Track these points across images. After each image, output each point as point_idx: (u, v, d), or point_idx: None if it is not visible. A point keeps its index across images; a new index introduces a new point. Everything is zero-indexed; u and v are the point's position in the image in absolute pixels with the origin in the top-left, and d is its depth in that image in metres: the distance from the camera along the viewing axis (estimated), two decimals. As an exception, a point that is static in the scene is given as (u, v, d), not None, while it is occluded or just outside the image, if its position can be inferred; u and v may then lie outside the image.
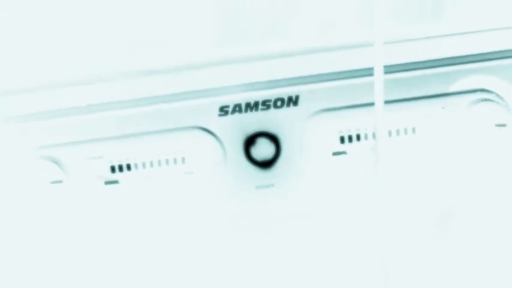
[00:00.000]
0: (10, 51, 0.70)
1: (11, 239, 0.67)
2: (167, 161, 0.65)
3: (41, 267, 0.69)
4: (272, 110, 0.64)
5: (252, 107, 0.64)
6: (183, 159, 0.65)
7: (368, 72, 0.59)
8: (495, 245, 0.82)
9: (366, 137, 0.64)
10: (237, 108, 0.64)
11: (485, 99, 0.64)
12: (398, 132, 0.65)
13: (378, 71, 0.53)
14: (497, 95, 0.65)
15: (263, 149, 0.64)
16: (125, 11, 0.71)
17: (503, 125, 0.65)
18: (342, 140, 0.65)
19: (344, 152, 0.65)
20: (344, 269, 0.84)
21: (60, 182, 0.65)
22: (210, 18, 0.73)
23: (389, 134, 0.65)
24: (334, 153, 0.64)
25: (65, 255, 0.69)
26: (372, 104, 0.57)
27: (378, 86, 0.53)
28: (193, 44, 0.70)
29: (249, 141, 0.64)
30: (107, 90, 0.65)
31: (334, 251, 0.81)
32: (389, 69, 0.62)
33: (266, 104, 0.64)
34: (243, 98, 0.63)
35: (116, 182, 0.65)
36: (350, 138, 0.65)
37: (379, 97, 0.54)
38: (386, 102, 0.59)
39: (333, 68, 0.63)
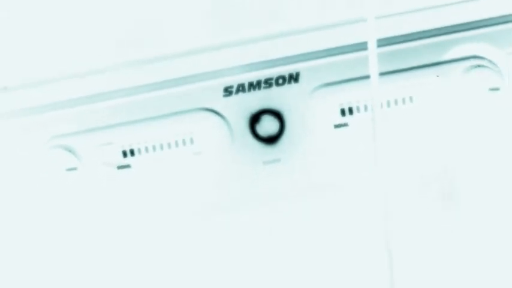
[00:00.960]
0: (15, 46, 0.74)
1: (31, 226, 0.71)
2: (176, 143, 0.69)
3: (63, 251, 0.74)
4: (274, 88, 0.68)
5: (254, 86, 0.68)
6: (191, 140, 0.69)
7: (363, 46, 0.63)
8: (494, 207, 0.86)
9: (365, 108, 0.68)
10: (241, 88, 0.68)
11: (478, 66, 0.68)
12: (396, 102, 0.69)
13: (372, 45, 0.57)
14: (490, 60, 0.69)
15: (268, 126, 0.69)
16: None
17: (497, 89, 0.69)
18: (343, 112, 0.69)
19: (345, 124, 0.69)
20: (350, 239, 0.88)
21: (75, 169, 0.69)
22: (208, 4, 0.78)
23: (388, 104, 0.69)
24: (336, 126, 0.69)
25: (84, 239, 0.74)
26: (369, 77, 0.61)
27: (373, 59, 0.57)
28: (196, 29, 0.74)
29: (254, 119, 0.68)
30: (113, 78, 0.69)
31: (341, 222, 0.85)
32: (383, 42, 0.66)
33: (268, 83, 0.68)
34: (245, 78, 0.67)
35: (128, 166, 0.69)
36: (350, 111, 0.69)
37: (374, 70, 0.59)
38: (383, 74, 0.63)
39: (330, 44, 0.67)
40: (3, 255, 0.73)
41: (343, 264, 0.92)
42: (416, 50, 0.68)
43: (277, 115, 0.68)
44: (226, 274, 0.81)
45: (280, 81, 0.68)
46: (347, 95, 0.68)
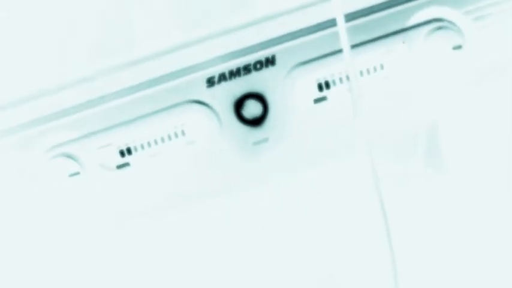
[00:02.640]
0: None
1: (41, 232, 0.78)
2: (169, 136, 0.76)
3: (74, 253, 0.80)
4: (253, 73, 0.75)
5: (235, 73, 0.75)
6: (183, 132, 0.76)
7: (332, 23, 0.70)
8: (475, 161, 0.94)
9: (340, 80, 0.76)
10: (222, 77, 0.75)
11: (440, 27, 0.76)
12: (368, 71, 0.76)
13: (340, 21, 0.64)
14: (450, 21, 0.76)
15: (252, 109, 0.76)
16: (103, 9, 0.81)
17: (459, 47, 0.77)
18: (320, 87, 0.76)
19: (324, 98, 0.76)
20: (342, 208, 0.95)
21: (77, 173, 0.76)
22: (178, 4, 0.85)
23: (361, 73, 0.76)
24: (316, 100, 0.76)
25: (92, 238, 0.81)
26: (341, 51, 0.68)
27: (343, 34, 0.64)
28: (171, 27, 0.81)
29: (238, 104, 0.75)
30: (103, 84, 0.75)
31: (333, 192, 0.92)
32: (350, 16, 0.73)
33: (247, 69, 0.75)
34: (225, 67, 0.74)
35: (127, 164, 0.76)
36: (327, 85, 0.76)
37: (345, 43, 0.66)
38: (353, 46, 0.70)
39: (301, 25, 0.74)
40: (15, 260, 0.79)
41: (337, 235, 0.99)
42: (381, 20, 0.75)
43: (260, 98, 0.75)
44: (227, 255, 0.88)
45: (258, 66, 0.75)
46: (322, 71, 0.75)
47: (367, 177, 0.73)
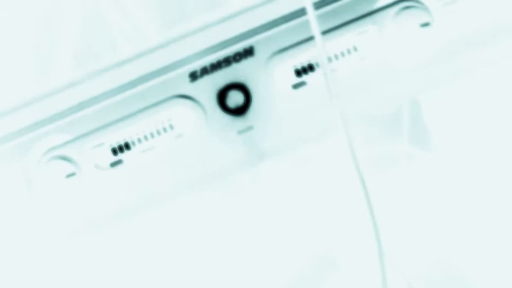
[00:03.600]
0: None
1: (45, 231, 0.83)
2: (158, 131, 0.81)
3: (76, 252, 0.86)
4: (234, 64, 0.80)
5: (216, 66, 0.80)
6: (171, 126, 0.81)
7: (303, 11, 0.76)
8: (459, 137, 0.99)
9: (317, 65, 0.81)
10: (204, 71, 0.80)
11: (407, 7, 0.82)
12: (343, 54, 0.82)
13: (310, 9, 0.70)
14: (416, 0, 0.82)
15: (235, 98, 0.81)
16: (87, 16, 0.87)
17: (427, 24, 0.82)
18: (298, 73, 0.81)
19: (303, 83, 0.82)
20: (328, 192, 1.01)
21: (73, 174, 0.81)
22: (154, 5, 0.90)
23: (336, 57, 0.81)
24: (294, 86, 0.81)
25: (92, 237, 0.86)
26: (314, 37, 0.74)
27: (313, 21, 0.70)
28: (151, 28, 0.87)
29: (221, 95, 0.81)
30: (91, 86, 0.80)
31: (320, 173, 0.98)
32: (319, 4, 0.79)
33: (227, 61, 0.80)
34: (206, 61, 0.80)
35: (120, 161, 0.81)
36: (305, 70, 0.81)
37: (316, 31, 0.71)
38: (325, 32, 0.76)
39: (275, 16, 0.79)
40: (18, 263, 0.84)
41: (324, 217, 1.05)
42: (350, 5, 0.81)
43: (242, 87, 0.81)
44: (225, 242, 0.93)
45: (238, 57, 0.80)
46: (298, 57, 0.81)
47: (349, 158, 0.78)
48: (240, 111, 0.81)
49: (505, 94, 1.09)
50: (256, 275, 1.04)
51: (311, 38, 0.77)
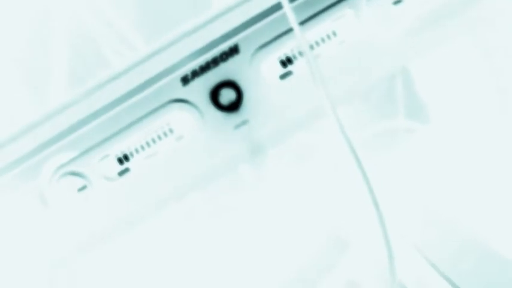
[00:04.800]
0: None
1: (64, 245, 0.90)
2: (159, 137, 0.88)
3: (95, 257, 0.93)
4: (221, 63, 0.87)
5: (205, 67, 0.87)
6: (171, 130, 0.88)
7: (279, 5, 0.82)
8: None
9: (300, 54, 0.88)
10: (195, 74, 0.87)
11: (379, -13, 0.88)
12: (323, 40, 0.88)
13: (286, 3, 0.77)
14: (386, -20, 0.89)
15: (227, 96, 0.88)
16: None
17: (399, 1, 0.89)
18: (283, 63, 0.88)
19: (290, 73, 0.88)
20: (327, 175, 1.07)
21: (84, 187, 0.88)
22: (138, 17, 0.97)
23: (317, 43, 0.88)
24: (281, 77, 0.88)
25: (108, 244, 0.93)
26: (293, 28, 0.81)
27: (290, 14, 0.77)
28: (139, 40, 0.93)
29: (214, 94, 0.87)
30: (89, 103, 0.87)
31: (316, 157, 1.04)
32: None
33: (215, 61, 0.87)
34: (195, 64, 0.86)
35: (127, 170, 0.88)
36: (289, 60, 0.88)
37: (294, 22, 0.78)
38: (302, 22, 0.83)
39: (254, 13, 0.86)
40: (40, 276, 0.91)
41: (330, 199, 1.11)
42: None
43: (232, 84, 0.88)
44: (236, 232, 1.00)
45: (224, 56, 0.87)
46: (282, 49, 0.87)
47: (344, 139, 0.85)
48: (233, 107, 0.87)
49: (488, 57, 1.15)
50: (269, 261, 1.10)
51: (291, 29, 0.84)
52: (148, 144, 0.87)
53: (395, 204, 1.15)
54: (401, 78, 1.25)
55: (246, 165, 1.01)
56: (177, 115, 0.86)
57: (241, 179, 1.04)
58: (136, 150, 0.87)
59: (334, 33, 0.87)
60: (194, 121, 0.86)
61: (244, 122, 0.87)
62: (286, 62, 0.87)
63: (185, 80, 0.86)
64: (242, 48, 0.86)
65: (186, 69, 0.85)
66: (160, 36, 0.86)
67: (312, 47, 0.86)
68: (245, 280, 1.09)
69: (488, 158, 1.16)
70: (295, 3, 0.83)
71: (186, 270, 1.07)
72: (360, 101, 1.24)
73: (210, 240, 1.05)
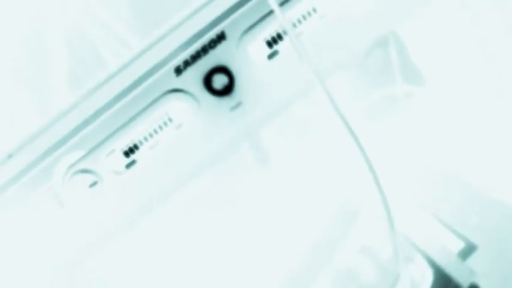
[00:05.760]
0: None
1: (81, 238, 0.97)
2: (160, 127, 0.95)
3: (113, 249, 1.00)
4: (211, 51, 0.93)
5: (195, 56, 0.93)
6: (170, 119, 0.94)
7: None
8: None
9: (284, 32, 0.94)
10: (187, 63, 0.93)
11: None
12: (304, 17, 0.95)
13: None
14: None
15: (220, 81, 0.94)
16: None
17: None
18: (269, 44, 0.95)
19: (276, 52, 0.95)
20: (324, 145, 1.13)
21: (96, 183, 0.95)
22: (129, 16, 1.04)
23: (299, 20, 0.95)
24: (269, 56, 0.95)
25: (124, 234, 1.00)
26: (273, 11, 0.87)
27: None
28: (131, 37, 1.00)
29: (207, 81, 0.94)
30: (92, 102, 0.94)
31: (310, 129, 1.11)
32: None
33: (204, 49, 0.93)
34: (186, 54, 0.93)
35: (134, 162, 0.95)
36: (274, 40, 0.95)
37: (274, 4, 0.85)
38: (282, 3, 0.89)
39: (235, 0, 0.93)
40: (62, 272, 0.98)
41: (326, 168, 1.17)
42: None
43: (223, 69, 0.94)
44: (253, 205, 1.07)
45: (213, 43, 0.93)
46: (266, 30, 0.94)
47: (334, 110, 0.91)
48: (227, 91, 0.94)
49: (476, 19, 1.20)
50: (286, 236, 1.17)
51: (273, 11, 0.90)
52: (150, 135, 0.94)
53: (400, 166, 1.22)
54: (395, 46, 1.31)
55: (249, 147, 1.08)
56: (175, 104, 0.93)
57: (246, 160, 1.11)
58: (140, 142, 0.94)
59: (314, 10, 0.93)
60: (191, 108, 0.93)
61: (238, 104, 0.94)
62: (272, 42, 0.93)
63: (178, 71, 0.93)
64: (228, 34, 0.92)
65: (178, 60, 0.92)
66: (152, 32, 0.93)
67: (294, 25, 0.92)
68: (265, 251, 1.16)
69: (484, 112, 1.22)
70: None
71: (203, 251, 1.14)
72: (357, 72, 1.29)
73: (228, 217, 1.12)
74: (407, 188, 1.18)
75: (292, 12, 0.92)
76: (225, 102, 0.94)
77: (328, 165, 1.22)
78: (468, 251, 1.09)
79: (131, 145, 0.93)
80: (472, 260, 1.07)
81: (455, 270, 1.06)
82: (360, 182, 1.18)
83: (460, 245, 1.10)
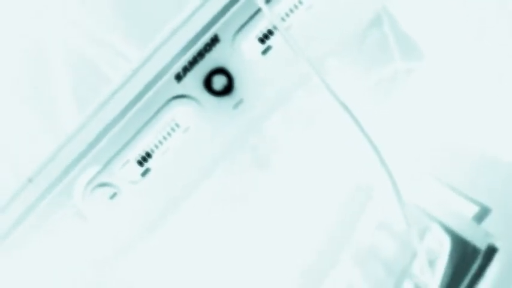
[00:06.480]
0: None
1: (108, 249, 1.03)
2: (168, 133, 1.01)
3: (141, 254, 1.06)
4: (207, 54, 1.00)
5: (193, 61, 0.99)
6: (177, 125, 1.01)
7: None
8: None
9: (274, 27, 1.00)
10: (186, 69, 1.00)
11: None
12: (292, 10, 1.00)
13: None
14: None
15: (220, 81, 1.00)
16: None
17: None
18: (262, 40, 1.01)
19: (269, 47, 1.01)
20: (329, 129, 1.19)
21: (115, 195, 1.01)
22: (127, 31, 1.10)
23: (287, 14, 1.00)
24: (263, 52, 1.01)
25: (150, 239, 1.06)
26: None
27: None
28: (131, 50, 1.07)
29: (207, 83, 1.00)
30: (101, 118, 1.01)
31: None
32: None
33: (201, 54, 0.99)
34: (184, 60, 0.99)
35: (148, 170, 1.02)
36: (266, 36, 1.01)
37: (261, 2, 0.91)
38: (268, 0, 0.95)
39: (224, 3, 0.99)
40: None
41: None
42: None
43: (221, 70, 1.00)
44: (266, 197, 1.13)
45: (208, 47, 0.99)
46: (257, 28, 1.00)
47: (332, 95, 0.97)
48: (227, 90, 1.00)
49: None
50: (307, 215, 1.22)
51: (260, 10, 0.96)
52: (160, 142, 1.00)
53: (409, 140, 1.27)
54: (389, 24, 1.36)
55: (258, 140, 1.14)
56: (179, 110, 0.99)
57: (255, 153, 1.17)
58: (152, 150, 1.00)
59: (300, 2, 0.99)
60: (195, 112, 1.00)
61: (240, 101, 1.00)
62: (264, 38, 1.00)
63: (179, 77, 0.99)
64: (221, 36, 0.99)
65: (177, 67, 0.99)
66: (149, 42, 0.99)
67: (283, 19, 0.98)
68: (283, 240, 1.21)
69: (485, 78, 1.26)
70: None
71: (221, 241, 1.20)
72: (356, 55, 1.35)
73: (244, 209, 1.18)
74: (418, 161, 1.22)
75: (279, 7, 0.98)
76: (227, 101, 1.00)
77: (336, 150, 1.27)
78: (482, 214, 1.13)
79: (144, 154, 1.00)
80: (487, 223, 1.11)
81: (472, 234, 1.10)
82: (368, 161, 1.23)
83: (474, 209, 1.13)
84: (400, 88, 1.38)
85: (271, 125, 1.23)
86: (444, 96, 1.32)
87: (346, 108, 0.93)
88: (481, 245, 1.08)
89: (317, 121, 1.29)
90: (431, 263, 1.10)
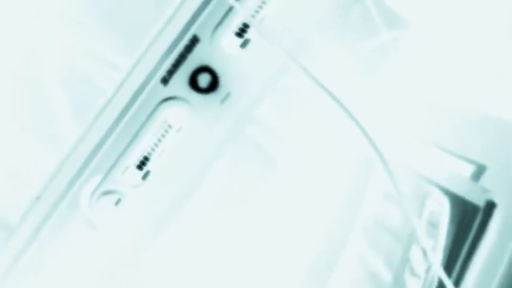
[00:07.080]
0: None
1: (119, 254, 1.09)
2: (163, 135, 1.07)
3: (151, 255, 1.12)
4: (189, 55, 1.05)
5: (177, 64, 1.05)
6: (170, 126, 1.07)
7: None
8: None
9: (250, 21, 1.06)
10: (170, 72, 1.05)
11: None
12: (264, 2, 1.06)
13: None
14: None
15: (205, 79, 1.06)
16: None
17: None
18: (239, 34, 1.07)
19: (248, 40, 1.07)
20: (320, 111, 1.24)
21: (119, 201, 1.07)
22: (112, 41, 1.16)
23: (260, 7, 1.05)
24: (242, 46, 1.06)
25: (157, 239, 1.12)
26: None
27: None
28: (117, 59, 1.13)
29: (193, 82, 1.06)
30: (97, 129, 1.07)
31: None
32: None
33: (183, 55, 1.05)
34: (168, 63, 1.04)
35: (148, 173, 1.08)
36: (242, 30, 1.06)
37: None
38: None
39: (198, 4, 1.04)
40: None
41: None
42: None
43: (205, 68, 1.06)
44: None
45: (189, 48, 1.05)
46: (232, 23, 1.05)
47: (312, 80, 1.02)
48: (213, 86, 1.06)
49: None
50: (313, 195, 1.27)
51: (232, 7, 1.02)
52: (156, 145, 1.06)
53: (402, 108, 1.31)
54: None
55: (253, 129, 1.19)
56: (170, 112, 1.05)
57: (256, 143, 1.23)
58: (149, 154, 1.06)
59: (276, -5, 1.05)
60: (186, 111, 1.05)
61: (227, 95, 1.06)
62: (241, 32, 1.05)
63: (165, 81, 1.05)
64: (200, 36, 1.04)
65: (162, 71, 1.04)
66: (136, 48, 1.05)
67: (257, 12, 1.04)
68: (292, 222, 1.27)
69: (473, 39, 1.30)
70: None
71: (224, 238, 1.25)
72: (340, 30, 1.39)
73: (252, 196, 1.23)
74: (413, 128, 1.26)
75: (251, 1, 1.04)
76: (214, 97, 1.06)
77: (335, 130, 1.30)
78: (479, 172, 1.15)
79: (142, 158, 1.06)
80: (484, 180, 1.14)
81: (470, 192, 1.13)
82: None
83: (471, 168, 1.16)
84: (389, 58, 1.42)
85: (266, 114, 1.28)
86: (433, 61, 1.35)
87: (327, 91, 0.98)
88: (479, 201, 1.11)
89: (308, 104, 1.33)
90: (435, 226, 1.14)
